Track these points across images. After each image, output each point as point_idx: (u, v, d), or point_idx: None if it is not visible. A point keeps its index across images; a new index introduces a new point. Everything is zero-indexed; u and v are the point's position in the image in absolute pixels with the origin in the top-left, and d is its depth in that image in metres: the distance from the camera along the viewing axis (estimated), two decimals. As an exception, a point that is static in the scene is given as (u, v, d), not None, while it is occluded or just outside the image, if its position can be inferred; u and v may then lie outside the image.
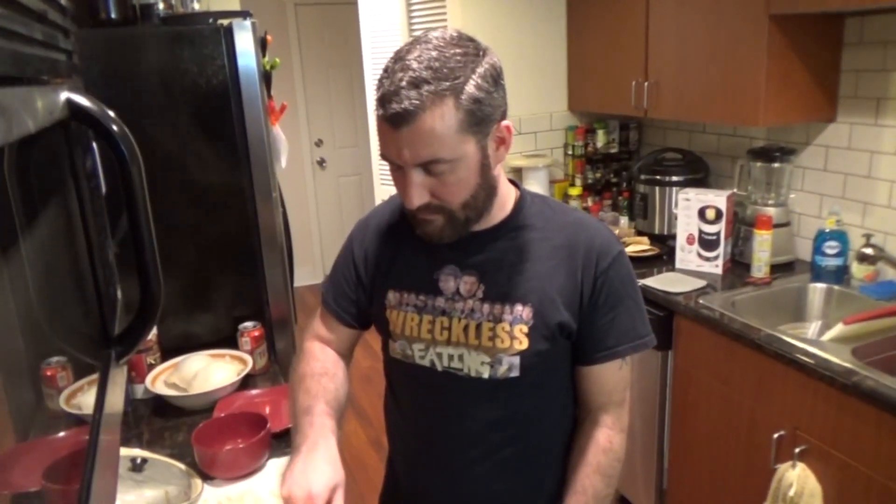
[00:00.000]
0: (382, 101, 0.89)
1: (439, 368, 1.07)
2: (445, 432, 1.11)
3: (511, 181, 1.10)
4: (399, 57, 0.91)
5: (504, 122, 0.96)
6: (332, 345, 1.19)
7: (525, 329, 1.02)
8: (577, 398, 1.14)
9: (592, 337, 1.06)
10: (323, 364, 1.14)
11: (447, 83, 0.87)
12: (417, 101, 0.86)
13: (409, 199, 0.95)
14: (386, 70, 0.90)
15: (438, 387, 1.08)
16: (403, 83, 0.87)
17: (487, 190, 0.99)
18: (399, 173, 0.95)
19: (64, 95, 0.67)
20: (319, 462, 0.96)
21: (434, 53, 0.89)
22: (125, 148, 0.69)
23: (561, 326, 1.03)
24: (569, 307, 1.04)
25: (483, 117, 0.91)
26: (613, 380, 1.10)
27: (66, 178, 0.69)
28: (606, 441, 1.10)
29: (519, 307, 1.02)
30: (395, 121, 0.88)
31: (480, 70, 0.90)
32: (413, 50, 0.90)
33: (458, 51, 0.90)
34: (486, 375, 1.04)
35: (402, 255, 1.10)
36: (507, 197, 1.07)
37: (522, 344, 1.02)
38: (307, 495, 0.92)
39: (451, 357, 1.06)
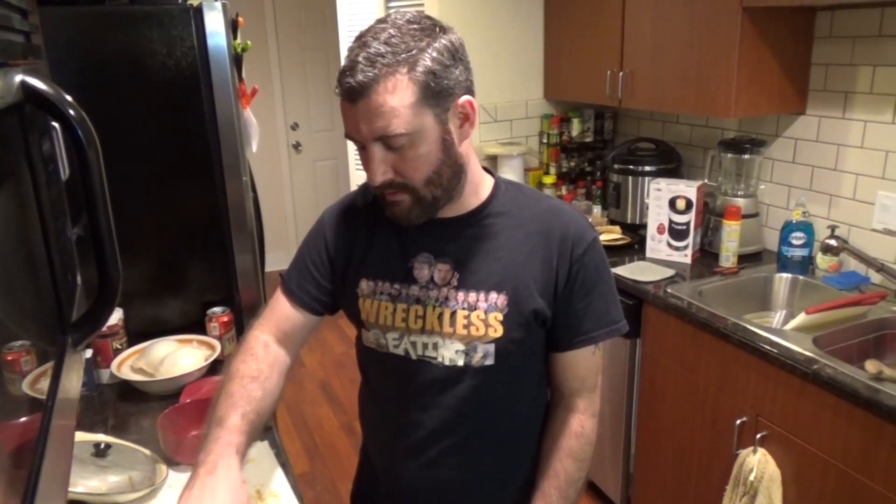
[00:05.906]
0: (340, 77, 0.91)
1: (413, 357, 1.06)
2: (420, 420, 1.10)
3: (485, 169, 1.10)
4: (359, 36, 0.93)
5: (465, 98, 0.96)
6: (286, 334, 1.14)
7: (500, 317, 1.02)
8: (549, 383, 1.16)
9: (567, 323, 1.07)
10: (258, 366, 1.08)
11: (401, 56, 0.89)
12: (371, 74, 0.88)
13: (372, 175, 0.95)
14: (348, 51, 0.93)
15: (413, 375, 1.08)
16: (360, 59, 0.89)
17: (453, 167, 0.98)
18: (363, 152, 0.96)
19: (18, 78, 0.66)
20: (218, 491, 0.90)
21: (392, 31, 0.90)
22: (82, 132, 0.68)
23: (535, 314, 1.04)
24: (543, 294, 1.04)
25: (439, 90, 0.92)
26: (586, 365, 1.12)
27: (21, 162, 0.68)
28: (579, 426, 1.12)
29: (493, 295, 1.02)
30: (350, 95, 0.90)
31: (437, 45, 0.91)
32: (373, 29, 0.92)
33: (415, 27, 0.91)
34: (460, 363, 1.04)
35: (375, 244, 1.09)
36: (480, 183, 1.07)
37: (497, 332, 1.03)
38: None
39: (425, 345, 1.05)
